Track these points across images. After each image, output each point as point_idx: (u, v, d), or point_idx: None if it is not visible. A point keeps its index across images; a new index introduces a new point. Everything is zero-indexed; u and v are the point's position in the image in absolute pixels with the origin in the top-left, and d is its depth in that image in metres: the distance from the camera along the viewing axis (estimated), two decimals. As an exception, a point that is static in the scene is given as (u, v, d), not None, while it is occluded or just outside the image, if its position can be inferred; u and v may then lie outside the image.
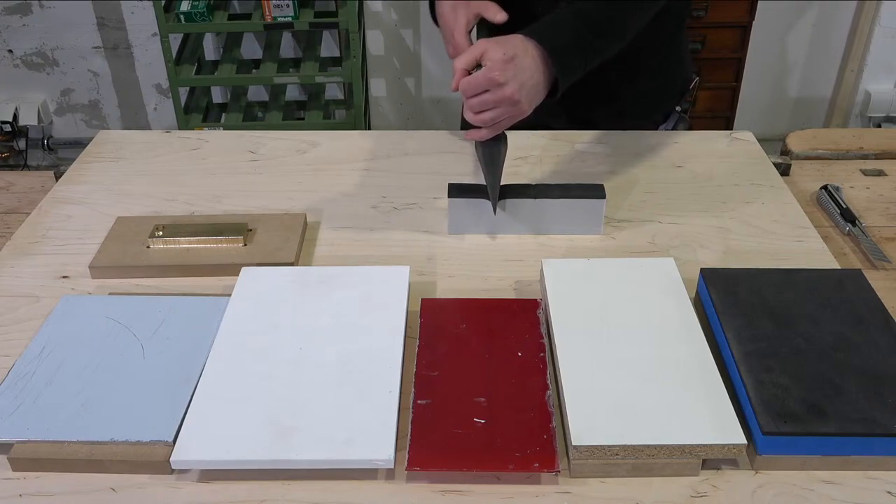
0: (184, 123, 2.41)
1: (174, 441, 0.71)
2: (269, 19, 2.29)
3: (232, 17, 2.41)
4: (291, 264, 0.95)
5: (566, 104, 1.07)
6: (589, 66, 0.97)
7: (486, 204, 1.00)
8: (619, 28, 1.00)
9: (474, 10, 1.00)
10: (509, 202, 1.00)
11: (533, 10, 1.08)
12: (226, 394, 0.75)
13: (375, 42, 2.74)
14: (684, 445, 0.69)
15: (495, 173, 0.98)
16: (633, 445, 0.69)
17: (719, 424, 0.71)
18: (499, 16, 0.99)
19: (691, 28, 2.40)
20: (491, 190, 0.99)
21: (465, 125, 1.41)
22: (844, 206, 1.11)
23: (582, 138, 1.22)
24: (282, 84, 2.56)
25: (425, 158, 1.20)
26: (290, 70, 2.54)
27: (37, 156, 2.94)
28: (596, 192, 1.01)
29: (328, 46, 2.70)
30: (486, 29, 0.99)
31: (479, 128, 0.94)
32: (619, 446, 0.69)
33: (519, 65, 0.90)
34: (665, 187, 1.12)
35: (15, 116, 2.80)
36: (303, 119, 2.62)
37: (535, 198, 1.00)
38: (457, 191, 1.01)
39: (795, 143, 1.30)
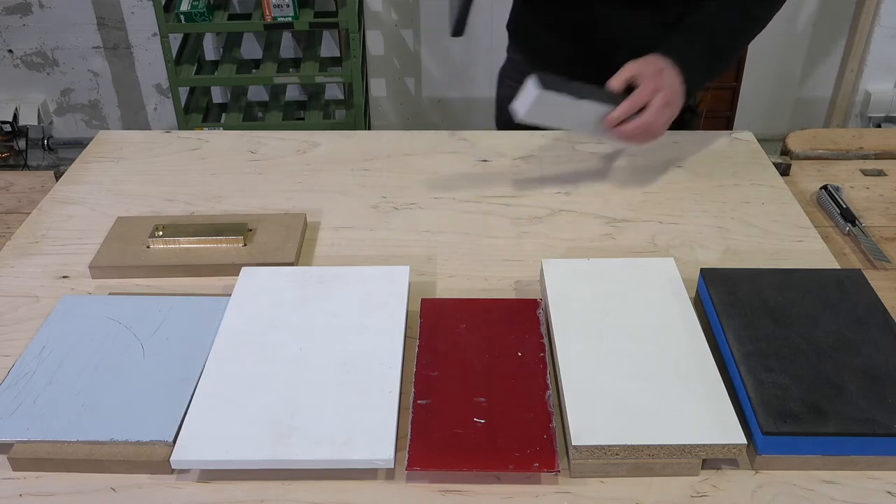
0: (184, 123, 2.41)
1: (174, 441, 0.71)
2: (269, 19, 2.30)
3: (232, 17, 2.41)
4: (291, 264, 0.95)
5: None
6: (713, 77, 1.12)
7: (568, 102, 0.97)
8: (745, 38, 1.13)
9: None
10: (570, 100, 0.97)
11: None
12: (226, 394, 0.75)
13: (375, 42, 2.74)
14: (684, 445, 0.69)
15: None
16: (633, 445, 0.69)
17: (719, 424, 0.71)
18: None
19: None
20: (457, 10, 0.95)
21: (502, 125, 1.41)
22: (844, 206, 1.11)
23: (582, 138, 1.22)
24: (282, 84, 2.56)
25: (425, 158, 1.20)
26: (290, 70, 2.54)
27: (37, 156, 2.94)
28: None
29: (328, 46, 2.70)
30: None
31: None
32: (619, 446, 0.69)
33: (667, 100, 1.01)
34: (665, 187, 1.12)
35: (15, 116, 2.80)
36: (303, 119, 2.62)
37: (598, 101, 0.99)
38: (544, 84, 0.95)
39: (795, 143, 1.30)
